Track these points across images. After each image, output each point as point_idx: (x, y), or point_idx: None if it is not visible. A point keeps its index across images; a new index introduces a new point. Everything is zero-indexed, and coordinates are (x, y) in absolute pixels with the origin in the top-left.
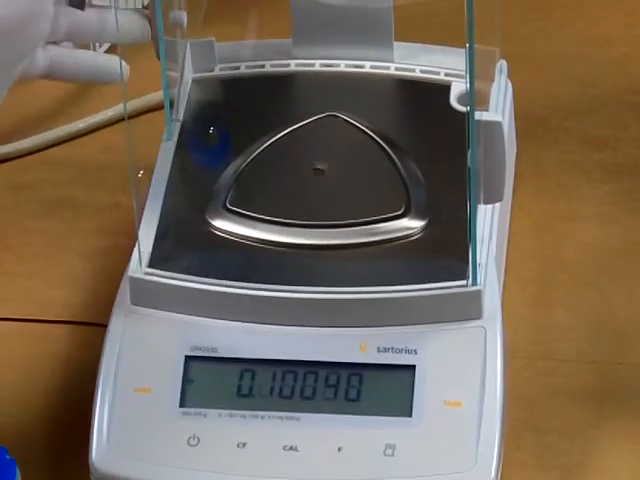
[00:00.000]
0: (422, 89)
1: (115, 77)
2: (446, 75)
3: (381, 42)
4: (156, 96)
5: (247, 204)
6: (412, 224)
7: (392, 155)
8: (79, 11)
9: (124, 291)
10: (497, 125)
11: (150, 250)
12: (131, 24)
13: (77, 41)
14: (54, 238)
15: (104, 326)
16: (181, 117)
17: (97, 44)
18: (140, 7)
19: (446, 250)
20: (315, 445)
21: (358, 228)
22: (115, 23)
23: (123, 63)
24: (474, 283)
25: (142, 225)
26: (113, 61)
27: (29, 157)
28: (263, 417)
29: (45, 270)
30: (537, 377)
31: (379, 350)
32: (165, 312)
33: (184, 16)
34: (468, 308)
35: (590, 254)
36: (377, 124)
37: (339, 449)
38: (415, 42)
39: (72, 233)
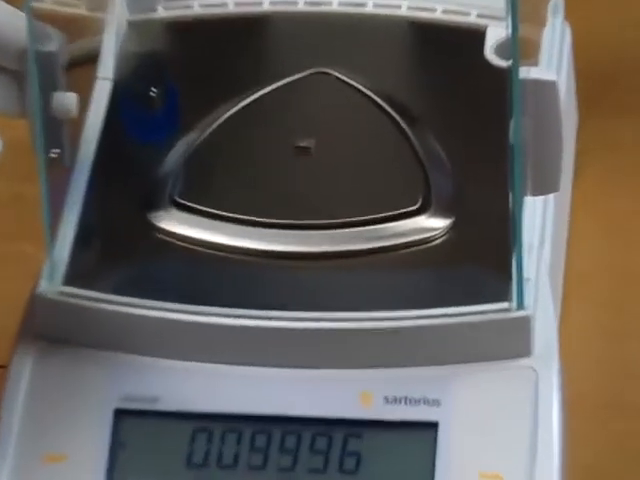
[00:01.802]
0: (446, 36)
1: None
2: (479, 17)
3: None
4: (79, 45)
5: (203, 196)
6: (433, 224)
7: (405, 128)
8: None
9: (30, 318)
10: (551, 86)
11: (67, 260)
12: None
13: None
14: None
15: (3, 367)
16: (112, 75)
17: None
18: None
19: (480, 260)
20: None
21: (358, 230)
22: None
23: None
24: (520, 306)
25: (56, 226)
26: None
27: None
28: None
29: None
30: (609, 439)
31: (387, 401)
32: (86, 348)
33: (74, 99)
34: (512, 341)
35: None
36: (383, 85)
37: None
38: None
39: None
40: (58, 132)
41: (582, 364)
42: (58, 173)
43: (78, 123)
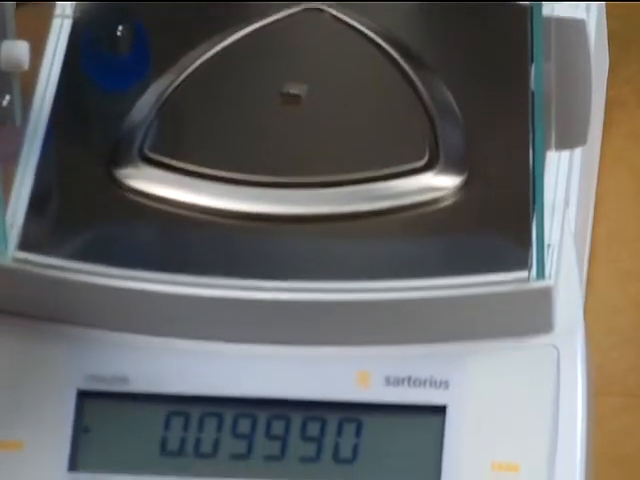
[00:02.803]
0: None
1: None
2: None
3: None
4: None
5: (177, 150)
6: (442, 182)
7: (410, 72)
8: None
9: None
10: (579, 25)
11: (21, 223)
12: None
13: None
14: None
15: None
16: (71, 12)
17: None
18: None
19: (495, 223)
20: None
21: (357, 189)
22: None
23: None
24: (540, 275)
25: (9, 185)
26: None
27: None
28: None
29: None
30: None
31: (388, 382)
32: (45, 322)
33: (25, 49)
34: (531, 315)
35: None
36: (385, 23)
37: None
38: None
39: None
40: (7, 83)
41: (612, 342)
42: (9, 124)
43: (32, 69)
